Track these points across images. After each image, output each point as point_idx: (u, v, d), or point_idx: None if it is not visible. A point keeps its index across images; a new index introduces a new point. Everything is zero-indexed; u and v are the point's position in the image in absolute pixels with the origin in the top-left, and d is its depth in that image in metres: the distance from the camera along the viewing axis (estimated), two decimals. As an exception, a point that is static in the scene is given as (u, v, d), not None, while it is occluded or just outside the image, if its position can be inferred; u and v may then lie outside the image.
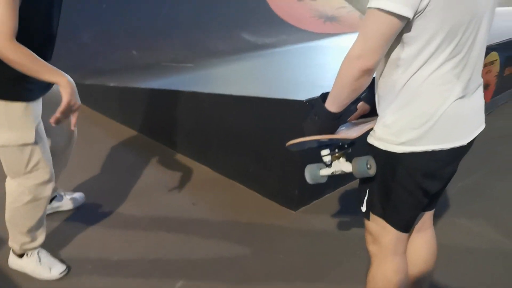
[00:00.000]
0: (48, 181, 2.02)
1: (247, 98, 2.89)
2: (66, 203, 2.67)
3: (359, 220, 1.63)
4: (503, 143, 3.84)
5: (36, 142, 1.91)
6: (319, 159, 1.51)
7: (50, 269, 2.16)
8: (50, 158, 2.03)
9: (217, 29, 5.82)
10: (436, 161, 1.40)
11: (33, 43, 1.69)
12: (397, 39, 1.30)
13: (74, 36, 4.82)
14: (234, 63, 4.61)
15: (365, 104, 1.58)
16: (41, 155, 1.95)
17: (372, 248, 1.58)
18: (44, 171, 1.99)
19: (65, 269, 2.18)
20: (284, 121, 2.65)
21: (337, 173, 1.48)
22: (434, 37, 1.26)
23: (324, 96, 1.42)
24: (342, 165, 1.47)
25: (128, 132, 3.68)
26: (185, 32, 5.53)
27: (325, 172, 1.50)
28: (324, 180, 1.52)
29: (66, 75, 1.73)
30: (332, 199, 2.89)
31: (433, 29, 1.25)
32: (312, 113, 1.44)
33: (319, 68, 3.59)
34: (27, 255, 2.16)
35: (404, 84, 1.33)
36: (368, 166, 1.42)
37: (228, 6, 6.29)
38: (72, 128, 1.77)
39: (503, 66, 4.28)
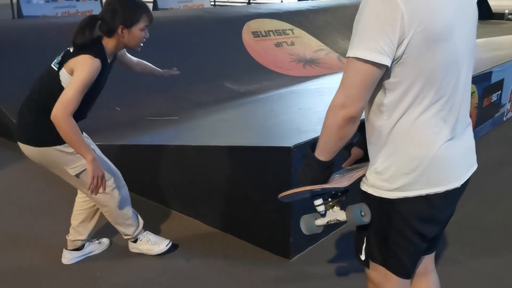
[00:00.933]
0: (117, 183, 2.58)
1: (234, 148, 2.90)
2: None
3: (358, 265, 1.60)
4: (489, 172, 3.88)
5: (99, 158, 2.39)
6: (310, 204, 1.49)
7: (158, 245, 2.78)
8: (110, 168, 2.58)
9: (200, 80, 5.90)
10: (432, 206, 1.39)
11: (84, 106, 2.26)
12: (379, 86, 1.32)
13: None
14: (219, 113, 4.65)
15: (359, 149, 1.58)
16: (105, 167, 2.44)
17: None
18: (112, 178, 2.54)
19: (169, 242, 2.81)
20: (272, 168, 2.65)
21: (332, 222, 1.47)
22: (414, 82, 1.28)
23: (313, 145, 1.42)
24: (337, 214, 1.46)
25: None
26: (168, 86, 5.59)
27: (320, 222, 1.48)
28: (320, 230, 1.51)
29: (93, 153, 2.26)
30: (327, 243, 2.86)
31: (412, 75, 1.27)
32: (304, 163, 1.44)
33: (303, 112, 3.63)
34: (139, 239, 2.76)
35: (391, 130, 1.35)
36: (362, 214, 1.40)
37: (208, 57, 6.41)
38: (94, 194, 2.31)
39: (481, 98, 4.38)
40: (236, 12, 8.35)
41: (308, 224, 1.49)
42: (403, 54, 1.24)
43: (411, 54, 1.24)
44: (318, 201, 1.46)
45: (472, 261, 2.70)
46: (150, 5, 17.92)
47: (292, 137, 2.82)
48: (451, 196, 1.42)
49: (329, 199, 1.46)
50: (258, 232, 2.84)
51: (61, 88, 2.24)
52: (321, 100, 4.01)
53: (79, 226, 2.70)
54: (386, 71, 1.28)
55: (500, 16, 16.38)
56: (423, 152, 1.33)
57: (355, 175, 1.47)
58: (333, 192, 1.47)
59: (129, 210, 2.68)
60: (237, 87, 6.20)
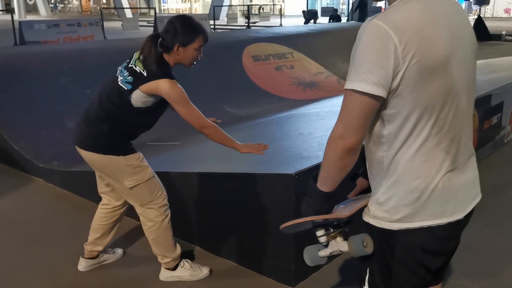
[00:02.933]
0: (167, 201, 2.69)
1: (235, 175, 2.89)
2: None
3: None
4: (492, 196, 3.85)
5: (154, 176, 2.63)
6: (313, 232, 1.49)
7: (201, 270, 2.80)
8: (162, 185, 2.69)
9: (200, 104, 5.88)
10: (435, 238, 1.38)
11: (150, 122, 2.61)
12: (378, 117, 1.33)
13: (60, 124, 4.86)
14: (220, 138, 4.64)
15: (364, 179, 1.57)
16: (159, 184, 2.66)
17: None
18: (164, 195, 2.67)
19: (209, 270, 2.83)
20: (274, 195, 2.64)
21: (335, 253, 1.46)
22: (412, 113, 1.29)
23: (316, 176, 1.42)
24: (339, 245, 1.45)
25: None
26: (168, 111, 5.61)
27: (324, 253, 1.47)
28: (324, 261, 1.50)
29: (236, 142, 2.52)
30: (331, 270, 2.82)
31: (409, 106, 1.28)
32: (306, 194, 1.44)
33: (304, 137, 3.63)
34: (180, 265, 2.77)
35: (391, 161, 1.35)
36: (365, 244, 1.40)
37: (209, 81, 6.45)
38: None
39: (481, 120, 4.39)
40: (236, 37, 8.45)
41: (311, 255, 1.49)
42: (398, 85, 1.25)
43: (407, 86, 1.25)
44: (320, 232, 1.45)
45: (476, 285, 2.66)
46: (151, 30, 18.08)
47: (293, 163, 2.82)
48: (455, 228, 1.41)
49: (331, 230, 1.46)
50: (261, 260, 2.81)
51: (131, 106, 2.41)
52: (322, 124, 4.02)
53: (97, 239, 2.83)
54: (383, 103, 1.29)
55: (498, 37, 16.56)
56: (423, 183, 1.33)
57: (357, 206, 1.46)
58: (336, 223, 1.46)
59: (171, 232, 2.72)
60: (238, 111, 6.23)
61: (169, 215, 2.70)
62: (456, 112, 1.33)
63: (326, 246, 1.47)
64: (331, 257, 1.52)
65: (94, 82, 5.74)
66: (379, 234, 1.41)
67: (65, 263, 2.96)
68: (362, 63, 1.25)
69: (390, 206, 1.37)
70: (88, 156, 2.57)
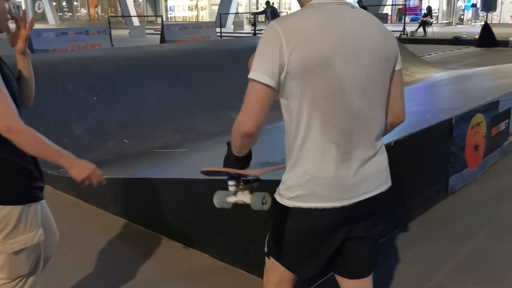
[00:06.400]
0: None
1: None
2: None
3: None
4: (499, 202, 3.83)
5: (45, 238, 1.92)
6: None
7: None
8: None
9: (206, 111, 5.95)
10: (320, 219, 1.57)
11: None
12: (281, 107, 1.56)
13: (67, 130, 4.90)
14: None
15: None
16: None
17: (264, 279, 1.83)
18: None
19: None
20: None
21: (239, 202, 1.69)
22: (300, 105, 1.48)
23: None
24: (245, 197, 1.67)
25: (123, 224, 3.63)
26: (175, 118, 5.64)
27: (230, 199, 1.71)
28: (229, 206, 1.74)
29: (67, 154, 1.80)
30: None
31: (296, 98, 1.48)
32: (227, 151, 1.68)
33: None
34: None
35: (292, 146, 1.55)
36: (264, 201, 1.61)
37: (215, 88, 6.48)
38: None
39: (489, 127, 4.37)
40: (242, 44, 8.48)
41: (220, 198, 1.73)
42: (286, 79, 1.45)
43: (292, 79, 1.45)
44: (232, 182, 1.69)
45: (486, 294, 2.64)
46: (158, 37, 18.16)
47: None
48: (342, 215, 1.57)
49: (241, 183, 1.68)
50: (264, 263, 2.80)
51: None
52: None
53: None
54: (280, 93, 1.50)
55: (505, 43, 16.50)
56: (312, 169, 1.53)
57: (267, 169, 1.68)
58: (248, 178, 1.69)
59: None
60: (244, 117, 6.24)
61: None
62: (345, 109, 1.50)
63: (235, 195, 1.70)
64: (236, 206, 1.72)
65: (101, 90, 5.81)
66: (277, 207, 1.63)
67: (72, 270, 2.97)
68: (257, 56, 1.47)
69: (288, 186, 1.57)
70: None
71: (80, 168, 1.82)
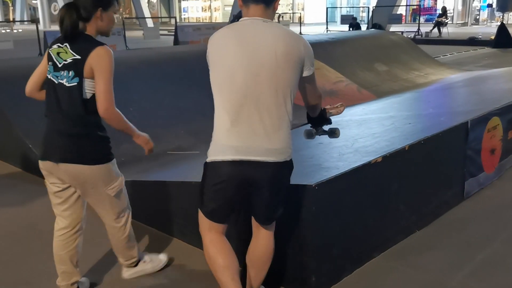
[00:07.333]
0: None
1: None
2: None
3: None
4: (517, 207, 3.78)
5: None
6: None
7: (160, 259, 2.95)
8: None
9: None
10: (221, 170, 2.14)
11: None
12: None
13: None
14: (239, 147, 4.65)
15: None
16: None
17: (199, 228, 2.36)
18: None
19: (166, 254, 3.01)
20: (293, 206, 2.63)
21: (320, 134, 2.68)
22: (214, 87, 2.20)
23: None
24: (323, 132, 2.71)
25: (137, 225, 3.65)
26: (188, 120, 5.66)
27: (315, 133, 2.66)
28: (313, 138, 2.69)
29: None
30: (350, 282, 2.80)
31: (212, 83, 2.20)
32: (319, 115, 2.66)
33: (323, 147, 3.61)
34: (142, 260, 2.86)
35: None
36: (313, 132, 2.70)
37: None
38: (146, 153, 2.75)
39: (506, 130, 4.31)
40: (255, 46, 8.44)
41: (308, 133, 2.63)
42: (209, 61, 2.22)
43: (210, 70, 2.20)
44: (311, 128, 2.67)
45: (502, 301, 2.61)
46: (171, 38, 18.21)
47: (313, 174, 2.81)
48: (242, 167, 2.11)
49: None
50: (279, 270, 2.80)
51: (88, 100, 2.39)
52: (341, 134, 3.96)
53: (76, 267, 2.68)
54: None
55: (521, 44, 16.27)
56: (216, 131, 2.16)
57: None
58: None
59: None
60: (257, 119, 6.23)
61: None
62: (238, 93, 2.10)
63: (316, 132, 2.71)
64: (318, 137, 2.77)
65: (115, 90, 5.83)
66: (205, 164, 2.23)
67: (87, 272, 2.99)
68: None
69: (210, 146, 2.19)
70: (73, 170, 2.41)
71: (143, 139, 2.66)
